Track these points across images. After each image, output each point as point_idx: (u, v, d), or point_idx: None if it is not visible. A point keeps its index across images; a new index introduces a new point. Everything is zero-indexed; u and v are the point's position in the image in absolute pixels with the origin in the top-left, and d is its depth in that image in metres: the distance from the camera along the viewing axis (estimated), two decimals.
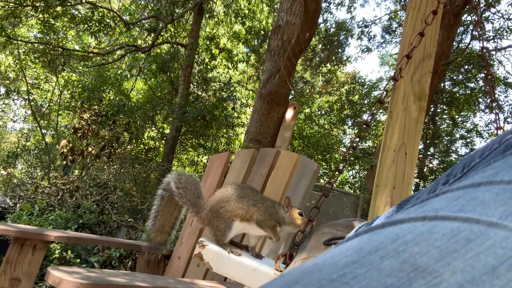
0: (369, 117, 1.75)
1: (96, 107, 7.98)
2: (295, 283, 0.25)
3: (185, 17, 9.81)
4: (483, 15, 8.83)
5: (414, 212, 0.31)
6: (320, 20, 9.99)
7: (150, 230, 2.16)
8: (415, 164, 1.97)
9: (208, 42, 9.85)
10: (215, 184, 2.82)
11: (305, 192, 2.35)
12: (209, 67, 9.66)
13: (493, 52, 9.70)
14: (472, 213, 0.28)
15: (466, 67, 9.81)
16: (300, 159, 2.50)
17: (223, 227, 1.61)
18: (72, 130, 7.84)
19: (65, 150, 7.27)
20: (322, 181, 10.23)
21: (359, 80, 12.07)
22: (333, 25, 10.68)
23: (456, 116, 11.87)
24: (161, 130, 9.49)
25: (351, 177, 12.07)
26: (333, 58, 10.58)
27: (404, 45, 1.99)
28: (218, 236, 1.61)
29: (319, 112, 12.46)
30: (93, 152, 7.42)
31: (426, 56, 1.98)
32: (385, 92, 1.79)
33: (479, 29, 1.79)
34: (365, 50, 10.93)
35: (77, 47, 10.36)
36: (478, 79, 9.88)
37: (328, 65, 11.13)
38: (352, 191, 9.70)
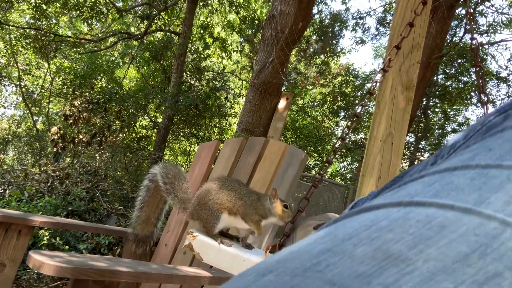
0: (360, 109, 1.75)
1: (87, 94, 7.92)
2: (269, 272, 0.25)
3: (179, 5, 9.73)
4: (477, 9, 8.83)
5: (390, 198, 0.30)
6: (315, 11, 9.96)
7: (136, 222, 2.13)
8: (401, 154, 1.98)
9: (202, 31, 9.78)
10: (203, 173, 2.82)
11: (293, 180, 2.35)
12: (202, 56, 9.61)
13: (486, 46, 9.72)
14: (446, 199, 0.28)
15: (459, 60, 9.83)
16: (288, 148, 2.50)
17: (211, 219, 1.61)
18: (63, 117, 7.78)
19: (55, 137, 7.21)
20: (313, 172, 10.25)
21: (353, 72, 12.06)
22: (328, 16, 10.65)
23: (448, 110, 11.91)
24: (153, 118, 9.45)
25: (343, 168, 12.11)
26: (327, 49, 10.56)
27: (393, 35, 1.99)
28: (208, 228, 1.62)
29: (312, 104, 12.45)
30: (84, 139, 7.38)
31: (414, 46, 1.98)
32: (375, 83, 1.78)
33: (469, 20, 1.79)
34: (359, 42, 10.91)
35: (69, 34, 10.24)
36: (471, 73, 9.90)
37: (322, 56, 11.10)
38: (343, 183, 9.74)
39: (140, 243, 2.21)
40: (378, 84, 1.74)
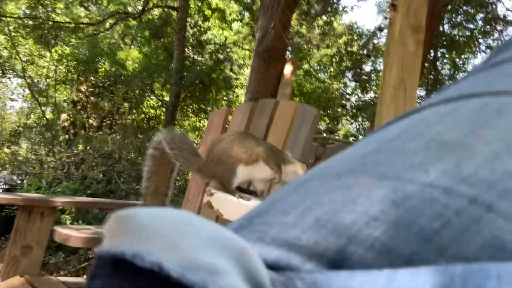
0: (371, 47, 1.71)
1: (92, 78, 7.92)
2: (312, 178, 0.24)
3: None
4: None
5: (435, 98, 0.29)
6: None
7: (146, 194, 2.09)
8: (415, 100, 1.94)
9: (199, 4, 9.63)
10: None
11: (307, 139, 2.33)
12: (203, 29, 9.50)
13: None
14: (500, 86, 0.26)
15: (464, 8, 9.58)
16: (299, 106, 2.48)
17: (227, 175, 1.60)
18: (71, 104, 7.81)
19: (66, 124, 7.27)
20: (325, 135, 10.22)
21: (357, 31, 11.84)
22: None
23: (457, 60, 11.69)
24: (160, 97, 9.44)
25: (355, 129, 12.05)
26: (329, 9, 10.35)
27: None
28: (225, 184, 1.60)
29: (318, 67, 12.30)
30: (94, 124, 7.42)
31: None
32: (383, 20, 1.74)
33: None
34: None
35: (67, 20, 10.17)
36: (478, 19, 9.66)
37: (324, 17, 10.89)
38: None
39: None
40: (387, 20, 1.69)
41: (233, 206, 1.48)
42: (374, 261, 0.18)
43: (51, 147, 8.12)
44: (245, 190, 1.70)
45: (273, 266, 0.19)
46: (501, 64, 0.30)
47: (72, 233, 1.36)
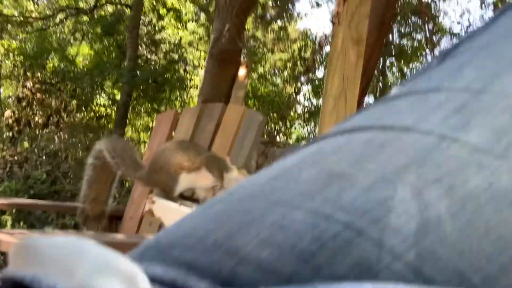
0: (311, 61, 1.76)
1: (39, 75, 7.63)
2: (218, 202, 0.26)
3: None
4: None
5: (336, 128, 0.32)
6: None
7: (85, 203, 2.04)
8: (355, 109, 2.01)
9: (154, 2, 9.50)
10: (163, 143, 2.79)
11: (252, 143, 2.37)
12: (157, 28, 9.37)
13: (438, 3, 9.89)
14: (387, 121, 0.29)
15: (413, 19, 9.96)
16: (246, 111, 2.51)
17: (170, 183, 1.61)
18: (16, 100, 7.50)
19: (10, 121, 6.97)
20: (278, 139, 10.33)
21: (311, 37, 12.06)
22: None
23: (405, 68, 12.13)
24: (111, 96, 9.23)
25: (306, 133, 12.25)
26: (284, 14, 10.48)
27: None
28: (167, 192, 1.61)
29: (272, 71, 12.42)
30: (40, 121, 7.16)
31: (362, 1, 2.00)
32: (324, 36, 1.80)
33: None
34: (315, 5, 10.87)
35: (15, 13, 9.75)
36: (425, 30, 10.07)
37: (279, 22, 11.02)
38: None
39: (91, 223, 2.13)
40: (327, 37, 1.75)
41: (175, 214, 1.49)
42: (261, 280, 0.21)
43: None
44: (187, 198, 1.71)
45: (171, 286, 0.21)
46: (396, 99, 0.33)
47: (3, 238, 1.32)
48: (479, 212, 0.23)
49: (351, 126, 0.31)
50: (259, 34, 11.18)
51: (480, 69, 0.32)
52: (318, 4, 10.62)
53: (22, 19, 8.68)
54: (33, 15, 9.47)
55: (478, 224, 0.23)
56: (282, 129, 10.59)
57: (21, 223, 4.13)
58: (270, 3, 10.51)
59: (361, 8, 1.98)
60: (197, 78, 10.61)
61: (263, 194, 0.25)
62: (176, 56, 9.12)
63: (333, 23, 1.77)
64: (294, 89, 11.58)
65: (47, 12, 9.36)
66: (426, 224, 0.22)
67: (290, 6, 10.58)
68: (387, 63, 11.79)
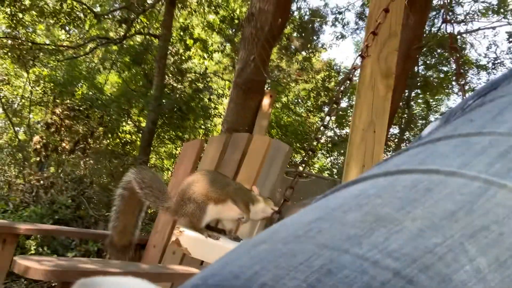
0: (339, 95, 1.76)
1: (68, 101, 7.84)
2: (263, 243, 0.26)
3: (157, 8, 9.68)
4: None
5: (377, 170, 0.31)
6: (294, 7, 9.99)
7: (113, 233, 2.06)
8: (383, 142, 1.99)
9: (181, 33, 9.74)
10: (188, 172, 2.80)
11: (278, 174, 2.36)
12: (183, 58, 9.57)
13: (465, 35, 9.86)
14: (431, 165, 0.29)
15: (439, 50, 9.95)
16: (272, 142, 2.51)
17: (197, 213, 1.61)
18: (45, 126, 7.69)
19: (38, 147, 7.13)
20: (300, 168, 10.27)
21: (335, 67, 12.14)
22: (307, 13, 10.69)
23: (430, 100, 12.05)
24: (137, 123, 9.39)
25: (329, 163, 12.18)
26: (308, 45, 10.61)
27: (370, 22, 2.01)
28: (194, 222, 1.61)
29: (296, 101, 12.50)
30: (67, 147, 7.30)
31: (391, 34, 2.00)
32: (353, 69, 1.80)
33: (443, 8, 1.81)
34: (339, 37, 10.98)
35: (47, 42, 10.12)
36: (451, 62, 10.03)
37: (303, 52, 11.15)
38: (330, 177, 9.80)
39: (118, 254, 2.13)
40: (356, 70, 1.75)
41: (201, 245, 1.48)
42: None
43: (21, 168, 7.93)
44: (214, 228, 1.70)
45: None
46: (437, 142, 0.33)
47: (32, 265, 1.32)
48: None
49: (394, 168, 0.30)
50: (283, 64, 11.30)
51: None
52: (343, 36, 10.72)
53: (53, 47, 8.98)
54: (64, 43, 9.80)
55: None
56: (305, 159, 10.53)
57: (45, 248, 4.16)
58: (295, 34, 10.66)
59: (390, 41, 1.99)
60: (221, 106, 10.74)
61: (309, 235, 0.25)
62: (201, 85, 9.27)
63: (362, 56, 1.77)
64: (322, 123, 11.60)
65: (78, 41, 9.68)
66: (476, 274, 0.22)
67: (314, 37, 10.71)
68: (412, 94, 11.72)
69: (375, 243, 0.23)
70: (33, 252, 4.09)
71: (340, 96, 1.69)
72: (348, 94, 9.69)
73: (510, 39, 9.41)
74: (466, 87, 1.73)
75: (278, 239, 0.25)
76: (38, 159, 7.14)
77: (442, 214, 0.24)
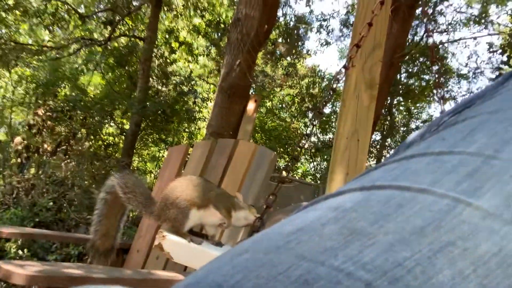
0: (322, 104, 1.79)
1: (51, 102, 7.74)
2: (245, 252, 0.27)
3: (143, 10, 9.63)
4: (436, 8, 9.11)
5: (355, 183, 0.33)
6: (280, 13, 10.05)
7: (95, 237, 2.04)
8: (367, 150, 2.03)
9: (167, 36, 9.71)
10: (173, 177, 2.80)
11: (263, 180, 2.38)
12: (168, 60, 9.54)
13: (446, 45, 10.04)
14: (404, 181, 0.31)
15: (421, 59, 10.10)
16: (257, 149, 2.53)
17: (180, 217, 1.62)
18: (27, 127, 7.58)
19: (19, 148, 7.03)
20: (284, 173, 10.31)
21: (319, 74, 12.22)
22: (293, 19, 10.76)
23: (412, 108, 12.22)
24: (120, 125, 9.31)
25: (313, 169, 12.23)
26: (293, 51, 10.66)
27: (355, 35, 2.05)
28: (177, 227, 1.62)
29: (280, 106, 12.54)
30: (49, 149, 7.21)
31: (376, 45, 2.04)
32: (336, 81, 1.83)
33: (424, 17, 1.86)
34: (324, 43, 11.08)
35: (30, 42, 9.98)
36: (433, 70, 10.16)
37: (288, 58, 11.20)
38: (313, 182, 9.84)
39: (101, 258, 2.12)
40: (339, 81, 1.78)
41: (184, 250, 1.49)
42: None
43: (1, 169, 7.80)
44: (198, 234, 1.71)
45: None
46: (411, 159, 0.34)
47: (15, 270, 1.32)
48: (490, 277, 0.25)
49: (369, 183, 0.32)
50: (268, 69, 11.34)
51: (490, 135, 0.34)
52: (327, 42, 10.81)
53: (37, 47, 8.87)
54: (48, 44, 9.68)
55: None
56: (289, 165, 10.56)
57: (25, 251, 4.10)
58: (280, 40, 10.72)
59: (374, 52, 2.03)
60: (206, 110, 10.72)
61: (288, 247, 0.26)
62: (186, 89, 9.24)
63: (346, 68, 1.80)
64: (305, 130, 11.66)
65: (62, 42, 9.57)
66: (441, 286, 0.23)
67: (299, 43, 10.78)
68: (395, 101, 11.87)
69: (350, 255, 0.24)
70: (12, 255, 4.02)
71: (322, 107, 1.72)
72: (332, 100, 9.77)
73: (490, 49, 9.61)
74: (447, 95, 1.77)
75: (259, 249, 0.27)
76: (19, 160, 7.03)
77: (412, 229, 0.26)
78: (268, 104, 11.73)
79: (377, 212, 0.28)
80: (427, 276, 0.24)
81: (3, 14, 7.97)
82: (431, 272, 0.24)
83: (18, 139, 7.17)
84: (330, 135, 11.84)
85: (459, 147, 0.33)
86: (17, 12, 8.14)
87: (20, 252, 4.09)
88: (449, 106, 1.81)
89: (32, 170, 7.42)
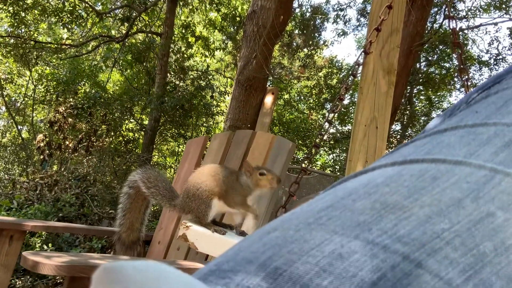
0: (344, 90, 1.77)
1: (71, 100, 7.86)
2: (274, 230, 0.27)
3: (159, 6, 9.68)
4: None
5: (384, 160, 0.33)
6: (295, 4, 9.99)
7: (121, 230, 2.10)
8: (386, 137, 2.01)
9: (183, 31, 9.75)
10: (192, 168, 2.82)
11: (281, 170, 2.37)
12: (185, 55, 9.58)
13: (466, 31, 9.84)
14: (438, 154, 0.30)
15: (441, 47, 9.93)
16: (275, 139, 2.52)
17: (203, 208, 1.63)
18: (48, 124, 7.71)
19: (41, 145, 7.15)
20: (303, 165, 10.27)
21: (337, 64, 12.13)
22: (309, 10, 10.69)
23: (433, 96, 12.03)
24: (139, 121, 9.41)
25: (332, 160, 12.17)
26: (310, 42, 10.60)
27: (372, 19, 2.02)
28: (200, 218, 1.63)
29: (298, 98, 12.50)
30: (70, 145, 7.33)
31: (393, 31, 2.01)
32: (357, 66, 1.81)
33: (445, 1, 1.82)
34: (341, 33, 10.97)
35: (49, 40, 10.14)
36: (453, 58, 10.00)
37: (305, 49, 11.14)
38: (333, 174, 9.80)
39: (127, 251, 2.17)
40: (360, 66, 1.76)
41: (208, 240, 1.50)
42: None
43: (24, 167, 7.97)
44: (221, 224, 1.72)
45: None
46: (443, 133, 0.34)
47: (41, 260, 1.35)
48: None
49: (401, 158, 0.32)
50: (285, 61, 11.30)
51: None
52: (344, 33, 10.71)
53: (56, 46, 9.00)
54: (67, 42, 9.82)
55: None
56: (310, 155, 10.53)
57: (50, 245, 4.19)
58: (296, 31, 10.66)
59: (392, 38, 2.00)
60: (224, 104, 10.75)
61: (319, 222, 0.26)
62: (203, 83, 9.27)
63: (366, 52, 1.78)
64: (326, 118, 11.58)
65: (80, 40, 9.70)
66: (482, 257, 0.23)
67: (316, 34, 10.70)
68: (415, 90, 11.70)
69: (384, 229, 0.24)
70: (38, 249, 4.12)
71: (344, 93, 1.71)
72: (350, 91, 9.68)
73: None
74: (469, 83, 1.73)
75: (289, 227, 0.27)
76: (41, 157, 7.16)
77: (449, 201, 0.25)
78: (286, 96, 11.69)
79: (410, 186, 0.27)
80: (467, 248, 0.23)
81: (22, 14, 8.10)
82: (471, 243, 0.24)
83: (40, 136, 7.30)
84: (349, 126, 11.75)
85: (494, 119, 0.33)
86: (36, 11, 8.27)
87: (44, 246, 4.19)
88: (466, 82, 1.77)
89: (55, 167, 7.57)
